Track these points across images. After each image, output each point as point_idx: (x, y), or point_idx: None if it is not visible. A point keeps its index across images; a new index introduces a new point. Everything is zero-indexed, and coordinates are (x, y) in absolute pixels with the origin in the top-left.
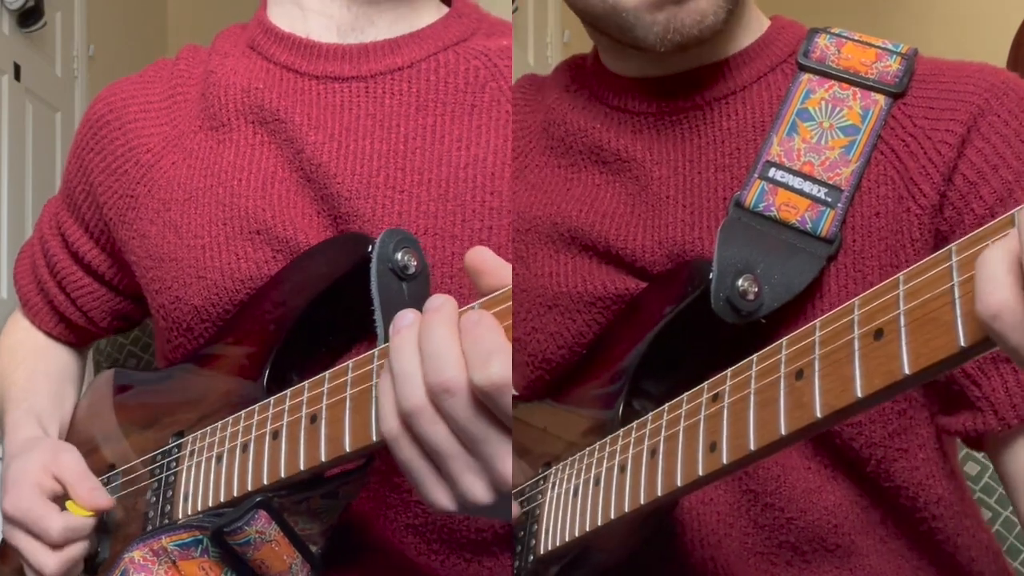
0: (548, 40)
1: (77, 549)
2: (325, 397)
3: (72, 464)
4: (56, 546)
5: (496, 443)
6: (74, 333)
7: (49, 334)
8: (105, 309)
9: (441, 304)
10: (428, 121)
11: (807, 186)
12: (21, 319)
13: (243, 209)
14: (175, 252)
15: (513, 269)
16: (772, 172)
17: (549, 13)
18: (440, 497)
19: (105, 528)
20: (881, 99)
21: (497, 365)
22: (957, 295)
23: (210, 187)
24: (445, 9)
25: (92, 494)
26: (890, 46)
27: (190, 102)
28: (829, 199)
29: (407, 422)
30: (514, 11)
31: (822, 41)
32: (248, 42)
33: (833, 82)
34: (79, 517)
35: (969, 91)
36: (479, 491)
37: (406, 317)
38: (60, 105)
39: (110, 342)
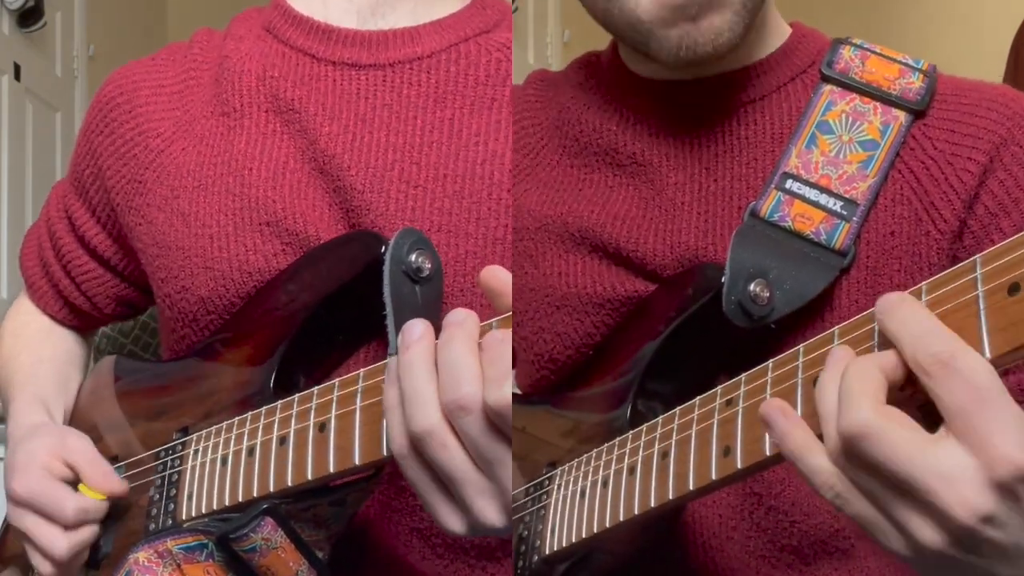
0: (548, 40)
1: (88, 532)
2: (335, 406)
3: (82, 448)
4: (69, 527)
5: (508, 463)
6: (78, 318)
7: (53, 317)
8: (110, 295)
9: (463, 319)
10: (446, 114)
11: (823, 199)
12: (25, 302)
13: (253, 199)
14: (182, 241)
15: (519, 267)
16: (789, 183)
17: (549, 13)
18: (450, 520)
19: (107, 522)
20: (902, 116)
21: (508, 386)
22: (982, 307)
23: (220, 176)
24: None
25: (106, 478)
26: (911, 62)
27: (203, 87)
28: (845, 212)
29: (416, 444)
30: (514, 11)
31: (847, 53)
32: (264, 25)
33: (855, 95)
34: (93, 499)
35: (992, 119)
36: (492, 515)
37: (415, 330)
38: (60, 105)
39: (109, 340)
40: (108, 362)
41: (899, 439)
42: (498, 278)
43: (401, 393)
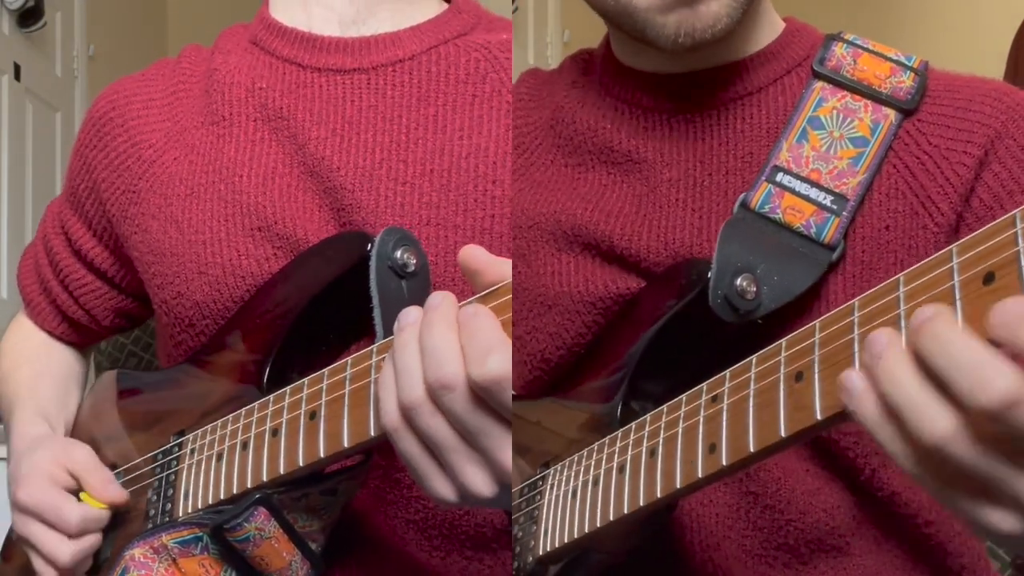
0: (548, 40)
1: (91, 540)
2: (324, 394)
3: (84, 458)
4: (73, 536)
5: (496, 436)
6: (77, 332)
7: (52, 334)
8: (108, 307)
9: (440, 302)
10: (430, 112)
11: (813, 192)
12: (24, 320)
13: (244, 205)
14: (176, 247)
15: (513, 267)
16: (779, 176)
17: (549, 13)
18: (442, 488)
19: (107, 526)
20: (892, 114)
21: (495, 360)
22: (958, 296)
23: (211, 183)
24: (444, 5)
25: (106, 487)
26: (903, 59)
27: (193, 98)
28: (835, 207)
29: (407, 415)
30: (514, 11)
31: (839, 50)
32: (250, 38)
33: (846, 92)
34: (95, 508)
35: (986, 112)
36: (481, 483)
37: (410, 314)
38: (60, 105)
39: (111, 342)
40: (110, 376)
41: None
42: (475, 257)
43: (395, 370)
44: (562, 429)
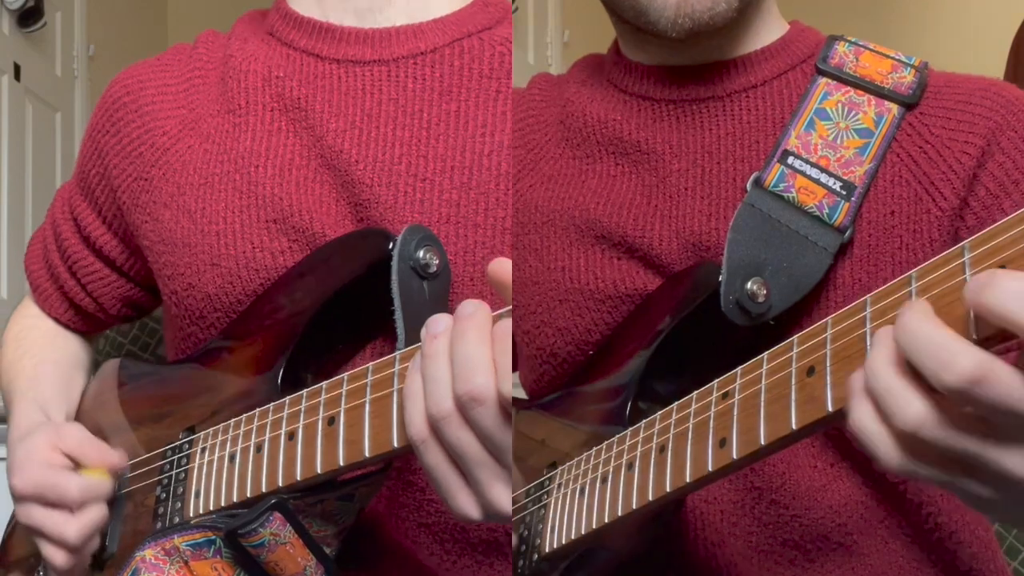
0: (548, 40)
1: (96, 511)
2: (344, 400)
3: (76, 434)
4: (76, 508)
5: None
6: (84, 320)
7: (58, 320)
8: (116, 296)
9: (473, 311)
10: (452, 107)
11: (823, 177)
12: (31, 306)
13: (260, 197)
14: (189, 238)
15: (524, 262)
16: (790, 160)
17: (549, 13)
18: (466, 505)
19: (113, 523)
20: (894, 108)
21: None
22: None
23: (226, 173)
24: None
25: (102, 454)
26: (903, 58)
27: (208, 86)
28: (844, 192)
29: (435, 427)
30: (514, 11)
31: (841, 48)
32: (267, 29)
33: (850, 88)
34: (95, 477)
35: (986, 105)
36: (505, 500)
37: (441, 322)
38: (60, 105)
39: (109, 341)
40: (112, 365)
41: (1010, 374)
42: (506, 270)
43: (424, 380)
44: (555, 442)
